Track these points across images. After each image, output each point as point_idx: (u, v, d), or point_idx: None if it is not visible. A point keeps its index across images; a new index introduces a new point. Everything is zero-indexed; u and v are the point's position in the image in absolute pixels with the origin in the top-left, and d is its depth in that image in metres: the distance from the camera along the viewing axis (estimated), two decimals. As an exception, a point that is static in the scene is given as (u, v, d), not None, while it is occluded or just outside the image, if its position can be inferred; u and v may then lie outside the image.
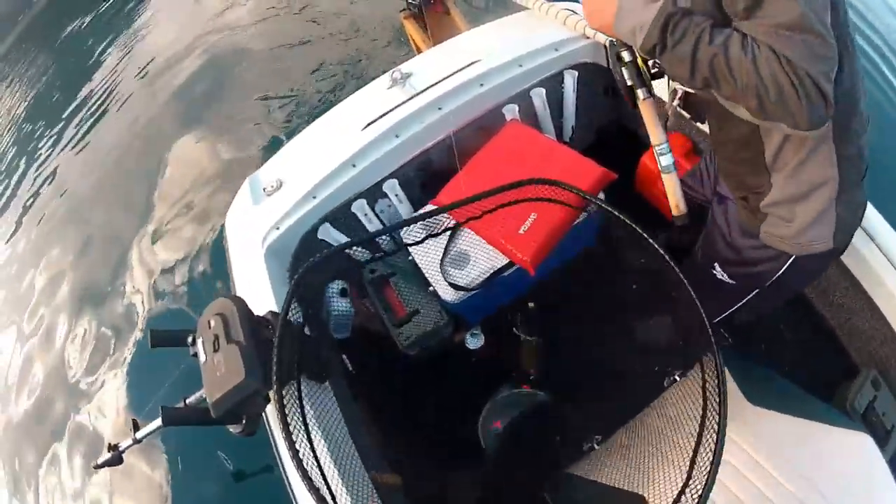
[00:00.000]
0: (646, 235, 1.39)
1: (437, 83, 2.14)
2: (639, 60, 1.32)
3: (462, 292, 1.94)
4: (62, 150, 6.22)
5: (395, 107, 2.13)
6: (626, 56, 1.32)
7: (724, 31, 1.02)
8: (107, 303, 4.07)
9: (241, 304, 1.47)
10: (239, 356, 1.32)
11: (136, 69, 6.73)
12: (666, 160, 1.42)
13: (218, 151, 4.71)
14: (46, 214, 5.43)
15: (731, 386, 1.60)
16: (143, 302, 3.91)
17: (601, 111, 2.53)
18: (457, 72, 2.14)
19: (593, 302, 2.10)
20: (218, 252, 3.43)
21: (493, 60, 2.16)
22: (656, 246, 1.38)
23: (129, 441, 1.50)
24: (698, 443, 1.19)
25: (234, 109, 5.09)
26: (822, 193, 1.30)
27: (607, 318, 2.13)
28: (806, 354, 2.14)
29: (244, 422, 1.42)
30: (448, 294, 1.95)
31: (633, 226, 1.41)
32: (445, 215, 1.84)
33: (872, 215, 1.70)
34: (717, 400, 1.19)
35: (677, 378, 1.85)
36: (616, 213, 1.46)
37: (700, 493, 1.06)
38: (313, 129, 2.32)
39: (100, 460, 1.52)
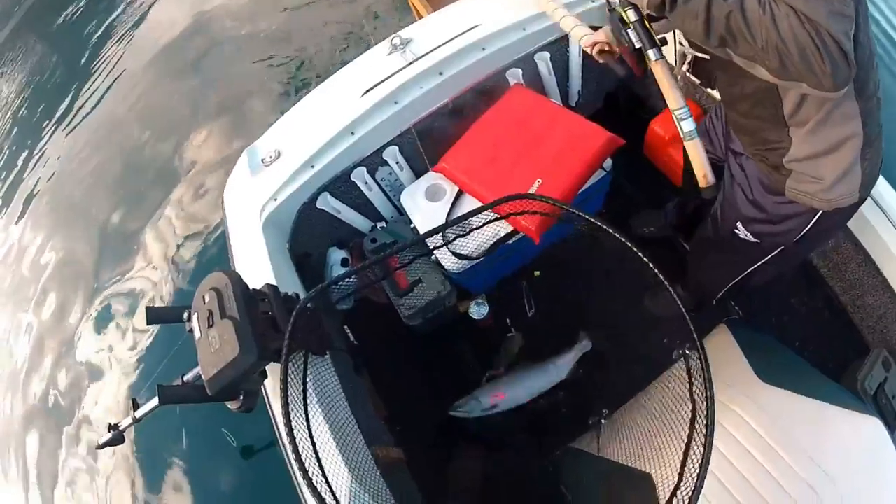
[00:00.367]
0: (629, 243, 1.28)
1: (437, 48, 2.06)
2: (645, 21, 1.23)
3: (465, 261, 1.88)
4: (66, 133, 6.12)
5: (395, 73, 2.06)
6: (631, 15, 1.21)
7: None
8: (117, 283, 4.04)
9: (235, 278, 1.43)
10: (233, 331, 1.29)
11: (136, 48, 6.62)
12: (688, 125, 1.27)
13: (224, 129, 4.66)
14: (51, 199, 5.38)
15: (738, 357, 1.58)
16: (154, 281, 3.88)
17: (608, 78, 2.45)
18: (457, 36, 2.06)
19: (599, 271, 2.07)
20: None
21: (496, 24, 2.08)
22: (639, 253, 1.27)
23: (129, 420, 1.46)
24: (691, 430, 1.13)
25: (239, 87, 5.00)
26: (848, 149, 1.25)
27: (614, 287, 2.10)
28: (817, 330, 2.09)
29: (242, 398, 1.39)
30: (451, 263, 1.90)
31: (616, 234, 1.30)
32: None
33: (885, 192, 1.66)
34: (704, 387, 1.13)
35: (687, 351, 1.89)
36: (595, 222, 1.34)
37: (697, 472, 1.02)
38: (311, 97, 2.26)
39: (101, 440, 1.48)
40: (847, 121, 1.20)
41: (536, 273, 2.29)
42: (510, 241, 1.90)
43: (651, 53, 1.22)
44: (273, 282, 1.64)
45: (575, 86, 2.36)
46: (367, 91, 2.05)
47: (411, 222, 2.02)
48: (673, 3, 1.04)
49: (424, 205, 1.99)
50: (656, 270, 1.23)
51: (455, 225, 1.54)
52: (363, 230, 2.31)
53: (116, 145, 5.37)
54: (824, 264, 2.08)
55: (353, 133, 2.02)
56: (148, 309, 1.51)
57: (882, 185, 1.64)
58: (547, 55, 2.17)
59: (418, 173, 2.20)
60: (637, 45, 1.23)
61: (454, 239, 1.67)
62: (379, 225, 2.32)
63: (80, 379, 3.56)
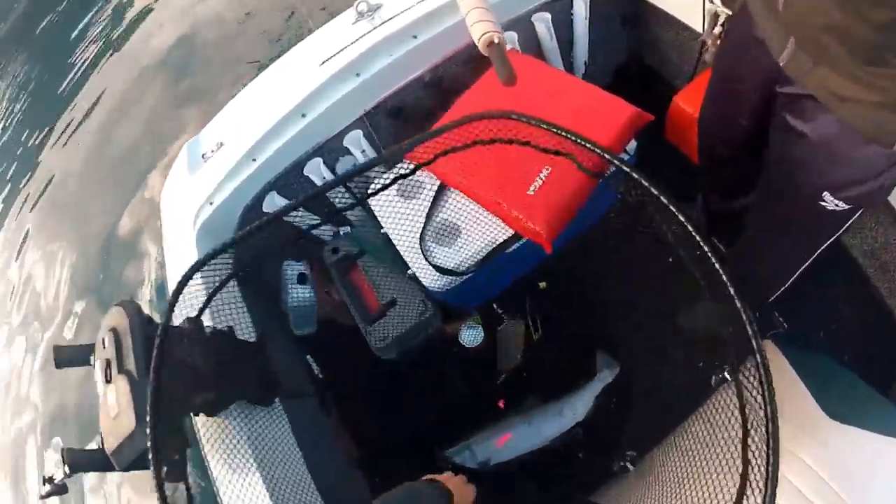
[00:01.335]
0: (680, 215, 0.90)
1: (409, 9, 1.66)
2: None
3: (450, 277, 1.45)
4: (57, 140, 6.20)
5: (357, 39, 1.63)
6: None
7: None
8: (107, 289, 4.03)
9: (135, 316, 1.20)
10: (129, 395, 1.06)
11: (124, 54, 6.69)
12: None
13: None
14: (44, 204, 5.43)
15: (794, 383, 1.29)
16: (146, 287, 3.85)
17: (619, 46, 2.08)
18: None
19: (619, 281, 1.74)
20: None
21: None
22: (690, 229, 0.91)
23: (62, 475, 1.18)
24: (744, 483, 0.83)
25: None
26: None
27: (638, 301, 1.74)
28: (867, 340, 1.77)
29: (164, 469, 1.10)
30: (432, 280, 1.48)
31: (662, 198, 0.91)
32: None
33: None
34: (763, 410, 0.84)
35: (727, 376, 1.49)
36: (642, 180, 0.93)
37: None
38: (264, 75, 1.84)
39: (43, 492, 1.22)
40: None
41: (542, 284, 1.86)
42: (509, 250, 1.47)
43: None
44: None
45: (581, 55, 1.95)
46: (323, 63, 1.63)
47: (382, 227, 1.59)
48: None
49: (398, 204, 1.56)
50: (717, 264, 0.89)
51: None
52: (324, 238, 1.88)
53: (110, 150, 5.37)
54: (870, 263, 1.76)
55: (303, 115, 1.62)
56: (55, 348, 1.25)
57: None
58: (548, 16, 1.78)
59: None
60: None
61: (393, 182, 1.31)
62: (342, 231, 1.88)
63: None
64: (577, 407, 1.62)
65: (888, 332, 1.75)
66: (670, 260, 1.47)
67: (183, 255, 1.56)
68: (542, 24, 1.78)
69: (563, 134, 0.95)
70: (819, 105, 1.04)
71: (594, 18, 1.88)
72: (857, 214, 1.21)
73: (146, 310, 1.26)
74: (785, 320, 1.83)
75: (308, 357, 1.75)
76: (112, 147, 5.41)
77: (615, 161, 0.92)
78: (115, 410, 1.08)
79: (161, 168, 4.64)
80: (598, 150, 0.91)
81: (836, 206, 1.17)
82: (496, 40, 1.24)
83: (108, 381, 1.11)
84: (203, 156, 1.70)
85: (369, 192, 1.41)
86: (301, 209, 1.20)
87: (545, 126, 0.97)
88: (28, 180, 6.00)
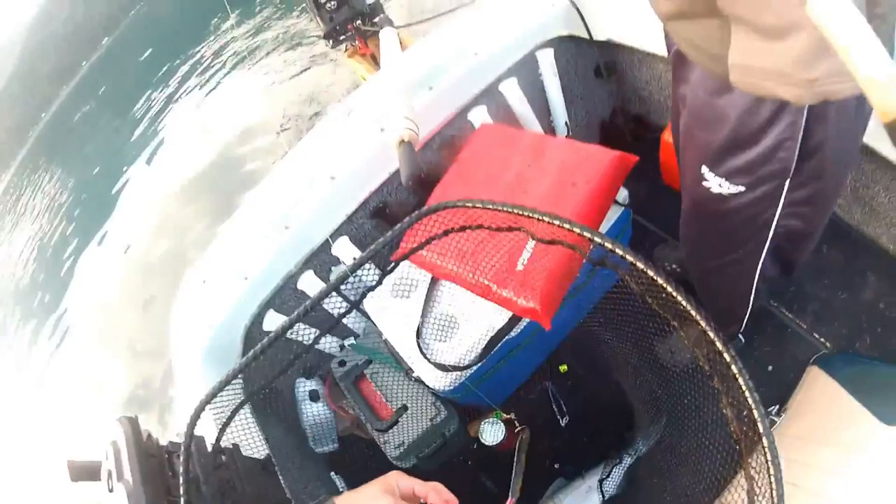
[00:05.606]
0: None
1: (380, 110, 1.63)
2: None
3: (454, 374, 1.35)
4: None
5: (329, 145, 1.62)
6: None
7: None
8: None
9: (129, 430, 1.15)
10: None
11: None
12: None
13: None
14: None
15: (846, 400, 1.23)
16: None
17: (597, 98, 2.00)
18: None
19: (642, 356, 1.54)
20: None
21: (439, 56, 1.65)
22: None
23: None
24: None
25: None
26: None
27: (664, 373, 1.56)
28: None
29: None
30: (435, 380, 1.37)
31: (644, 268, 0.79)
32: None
33: None
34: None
35: (776, 419, 1.42)
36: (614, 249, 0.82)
37: None
38: (251, 195, 1.84)
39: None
40: None
41: (563, 368, 1.73)
42: (513, 334, 1.36)
43: None
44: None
45: (560, 116, 1.87)
46: (299, 171, 1.62)
47: (382, 333, 1.51)
48: None
49: (392, 305, 1.49)
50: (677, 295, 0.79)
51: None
52: (332, 352, 1.80)
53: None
54: None
55: (286, 227, 1.56)
56: (69, 464, 1.18)
57: None
58: (514, 81, 1.72)
59: (381, 266, 1.70)
60: None
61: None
62: (347, 343, 1.80)
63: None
64: (602, 487, 1.46)
65: None
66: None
67: (189, 379, 1.52)
68: (511, 90, 1.71)
69: (508, 210, 0.87)
70: (688, 61, 0.97)
71: (565, 76, 1.82)
72: (777, 208, 1.08)
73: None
74: (826, 340, 1.68)
75: (332, 473, 1.62)
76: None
77: (567, 224, 0.82)
78: (115, 521, 1.08)
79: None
80: (548, 219, 0.81)
81: (723, 187, 1.04)
82: (406, 138, 1.25)
83: (110, 490, 1.10)
84: (203, 280, 1.69)
85: (361, 293, 1.34)
86: (302, 324, 1.17)
87: (481, 205, 0.89)
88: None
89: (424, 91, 1.59)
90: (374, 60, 2.72)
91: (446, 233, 0.99)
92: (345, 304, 1.21)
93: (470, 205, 0.90)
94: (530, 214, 0.83)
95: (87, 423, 4.34)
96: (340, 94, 4.89)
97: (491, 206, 0.88)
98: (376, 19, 2.44)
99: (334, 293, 1.12)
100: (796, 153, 0.95)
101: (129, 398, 4.41)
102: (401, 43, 1.94)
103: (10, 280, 9.13)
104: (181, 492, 1.00)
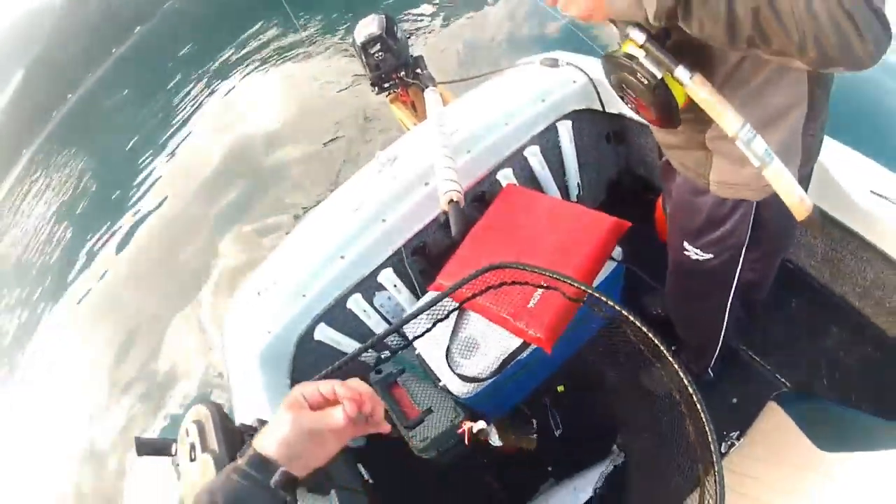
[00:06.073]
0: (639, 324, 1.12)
1: (422, 161, 1.98)
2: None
3: (474, 384, 1.70)
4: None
5: (380, 190, 1.97)
6: (637, 36, 0.96)
7: None
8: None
9: (215, 410, 1.35)
10: (212, 465, 1.20)
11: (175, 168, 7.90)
12: (759, 146, 0.96)
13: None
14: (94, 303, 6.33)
15: (796, 434, 1.40)
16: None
17: (607, 162, 2.34)
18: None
19: (626, 373, 1.92)
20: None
21: (477, 124, 2.00)
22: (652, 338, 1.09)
23: None
24: None
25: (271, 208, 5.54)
26: (786, 123, 1.08)
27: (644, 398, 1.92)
28: (873, 376, 1.88)
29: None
30: (459, 387, 1.72)
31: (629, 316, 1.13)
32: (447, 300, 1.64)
33: None
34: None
35: (735, 442, 1.74)
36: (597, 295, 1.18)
37: None
38: (306, 222, 2.19)
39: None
40: (792, 85, 1.05)
41: (560, 388, 2.08)
42: (522, 356, 1.71)
43: (680, 72, 0.96)
44: (268, 419, 1.51)
45: (573, 178, 2.23)
46: (355, 211, 1.96)
47: (416, 349, 1.86)
48: (687, 8, 0.84)
49: (425, 324, 1.84)
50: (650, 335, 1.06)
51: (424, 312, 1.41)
52: (368, 361, 2.15)
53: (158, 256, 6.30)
54: (867, 304, 1.88)
55: (342, 257, 1.91)
56: (137, 440, 1.38)
57: None
58: (536, 148, 2.07)
59: (418, 295, 2.06)
60: (658, 74, 0.98)
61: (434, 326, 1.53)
62: (383, 354, 2.16)
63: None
64: (589, 481, 1.81)
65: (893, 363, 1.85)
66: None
67: (247, 375, 1.80)
68: (533, 157, 2.06)
69: (549, 275, 1.22)
70: (674, 170, 1.35)
71: (580, 143, 2.16)
72: (741, 257, 1.44)
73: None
74: (787, 380, 1.97)
75: (359, 465, 1.94)
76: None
77: (584, 288, 1.18)
78: (200, 483, 1.19)
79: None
80: (576, 284, 1.17)
81: (698, 255, 1.42)
82: (454, 198, 1.57)
83: (192, 459, 1.26)
84: (258, 292, 2.02)
85: (416, 335, 1.67)
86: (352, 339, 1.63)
87: (539, 272, 1.24)
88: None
89: (464, 154, 1.94)
90: (414, 108, 3.04)
91: (501, 285, 1.34)
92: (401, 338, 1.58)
93: (521, 267, 1.26)
94: (561, 278, 1.19)
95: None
96: (387, 118, 4.91)
97: (538, 271, 1.23)
98: (418, 71, 2.76)
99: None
100: (749, 230, 1.35)
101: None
102: (442, 96, 2.31)
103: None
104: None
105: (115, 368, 5.04)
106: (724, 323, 1.70)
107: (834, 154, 1.57)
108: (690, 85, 0.96)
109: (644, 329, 1.08)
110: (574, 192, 2.27)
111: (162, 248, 6.38)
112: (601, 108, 2.12)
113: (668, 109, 1.04)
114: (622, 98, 1.14)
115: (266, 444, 0.73)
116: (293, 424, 0.74)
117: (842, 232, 1.69)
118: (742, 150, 0.96)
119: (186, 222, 6.50)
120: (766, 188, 1.10)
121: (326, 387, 0.78)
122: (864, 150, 1.60)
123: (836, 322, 1.98)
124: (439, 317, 1.47)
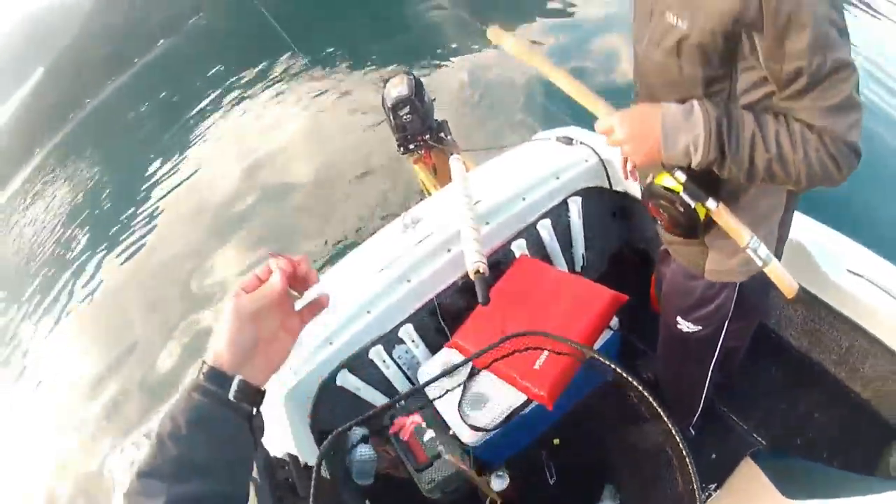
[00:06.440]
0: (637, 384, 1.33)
1: (444, 226, 2.20)
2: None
3: (482, 433, 1.92)
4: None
5: (406, 252, 2.19)
6: (681, 177, 1.25)
7: (768, 125, 1.10)
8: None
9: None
10: (253, 492, 1.34)
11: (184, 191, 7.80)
12: (763, 251, 1.24)
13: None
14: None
15: (768, 488, 1.54)
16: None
17: (611, 235, 2.56)
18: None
19: (618, 425, 2.06)
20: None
21: (497, 197, 2.24)
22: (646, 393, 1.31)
23: None
24: None
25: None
26: (769, 221, 1.38)
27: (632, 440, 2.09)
28: (846, 434, 2.08)
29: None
30: (468, 436, 1.94)
31: (627, 376, 1.35)
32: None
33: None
34: None
35: (713, 493, 1.84)
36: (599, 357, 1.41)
37: None
38: (332, 273, 2.40)
39: None
40: (776, 194, 1.35)
41: (556, 441, 2.29)
42: (525, 411, 1.93)
43: (710, 203, 1.25)
44: (294, 452, 1.71)
45: (579, 250, 2.46)
46: (381, 270, 2.18)
47: (431, 400, 2.07)
48: (723, 160, 1.14)
49: (443, 381, 2.05)
50: (644, 392, 1.28)
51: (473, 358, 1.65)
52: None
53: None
54: (841, 370, 2.05)
55: (368, 312, 2.12)
56: None
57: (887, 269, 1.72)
58: (548, 221, 2.29)
59: (433, 350, 2.26)
60: (693, 204, 1.26)
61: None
62: (398, 403, 2.37)
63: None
64: None
65: (866, 420, 2.00)
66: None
67: (272, 410, 1.93)
68: (545, 230, 2.29)
69: (571, 345, 1.46)
70: (670, 256, 1.65)
71: (588, 218, 2.38)
72: (724, 328, 1.71)
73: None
74: (764, 439, 2.16)
75: (367, 501, 2.07)
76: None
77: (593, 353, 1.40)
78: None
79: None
80: (597, 356, 1.40)
81: (689, 328, 1.70)
82: (481, 270, 1.82)
83: None
84: None
85: (437, 396, 1.91)
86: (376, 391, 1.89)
87: (560, 340, 1.49)
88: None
89: (483, 225, 2.17)
90: (434, 171, 3.25)
91: (527, 349, 1.58)
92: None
93: (544, 335, 1.50)
94: (581, 348, 1.43)
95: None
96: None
97: (555, 338, 1.48)
98: (442, 135, 2.98)
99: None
100: (732, 306, 1.64)
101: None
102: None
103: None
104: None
105: (112, 380, 5.18)
106: (707, 384, 1.95)
107: (813, 233, 1.82)
108: (716, 211, 1.25)
109: (645, 393, 1.30)
110: (579, 262, 2.50)
111: (164, 269, 6.40)
112: (609, 186, 2.36)
113: (694, 227, 1.33)
114: (655, 220, 1.43)
115: (217, 351, 0.70)
116: (235, 312, 0.70)
117: (820, 306, 1.90)
118: (749, 255, 1.25)
119: (192, 242, 6.55)
120: (749, 271, 1.47)
121: (260, 268, 0.75)
122: (840, 228, 1.86)
123: (812, 386, 2.16)
124: (460, 381, 1.67)
